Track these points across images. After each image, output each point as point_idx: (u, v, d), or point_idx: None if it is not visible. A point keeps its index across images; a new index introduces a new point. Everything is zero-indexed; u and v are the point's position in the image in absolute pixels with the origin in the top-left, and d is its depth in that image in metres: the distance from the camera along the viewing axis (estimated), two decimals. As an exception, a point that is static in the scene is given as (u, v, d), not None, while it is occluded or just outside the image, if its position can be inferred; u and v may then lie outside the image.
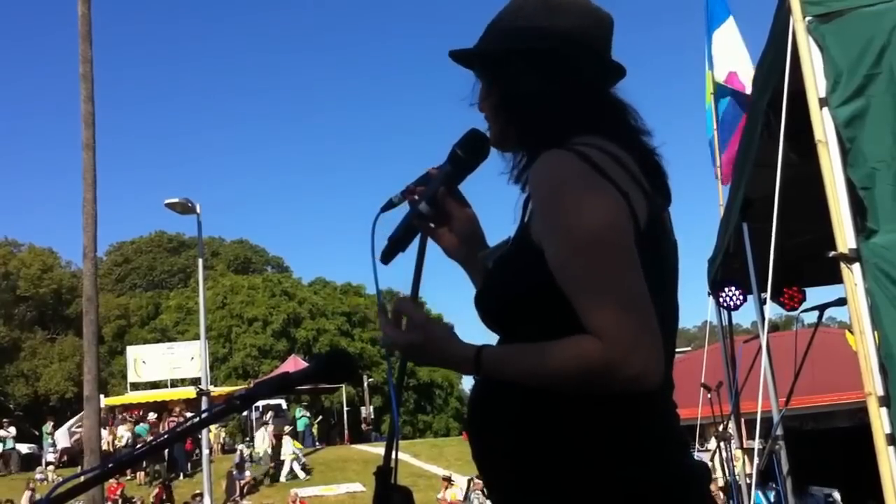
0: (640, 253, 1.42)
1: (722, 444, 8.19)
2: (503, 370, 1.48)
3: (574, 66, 1.57)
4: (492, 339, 1.60)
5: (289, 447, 25.03)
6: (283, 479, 24.13)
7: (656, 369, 1.38)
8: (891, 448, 3.30)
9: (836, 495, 5.63)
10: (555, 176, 1.47)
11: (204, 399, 19.10)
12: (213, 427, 24.56)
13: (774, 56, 4.13)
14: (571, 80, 1.57)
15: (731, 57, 9.50)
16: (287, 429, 26.68)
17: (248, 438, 28.76)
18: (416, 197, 1.74)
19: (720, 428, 8.08)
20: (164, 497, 20.51)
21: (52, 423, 27.68)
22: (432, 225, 1.78)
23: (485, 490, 1.59)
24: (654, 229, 1.48)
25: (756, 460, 5.18)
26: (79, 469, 19.81)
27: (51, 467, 24.82)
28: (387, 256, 1.73)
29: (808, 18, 3.65)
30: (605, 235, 1.40)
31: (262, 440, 24.70)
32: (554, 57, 1.57)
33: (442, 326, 1.57)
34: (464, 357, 1.51)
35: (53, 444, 26.73)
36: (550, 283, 1.43)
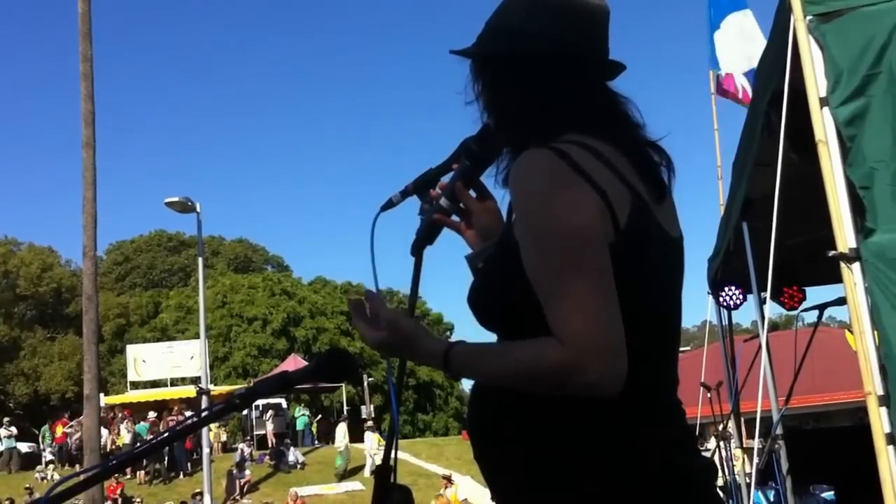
0: (619, 252, 1.40)
1: (722, 443, 8.19)
2: (470, 369, 1.51)
3: (558, 66, 1.55)
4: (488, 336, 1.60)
5: (372, 442, 25.10)
6: (367, 473, 24.21)
7: (615, 376, 1.35)
8: (890, 447, 3.30)
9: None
10: (528, 175, 1.46)
11: (204, 398, 19.12)
12: (212, 426, 24.57)
13: (775, 55, 4.13)
14: (554, 79, 1.55)
15: (734, 55, 9.50)
16: (369, 423, 26.84)
17: (248, 437, 28.80)
18: (439, 192, 1.78)
19: (720, 427, 8.09)
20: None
21: (48, 427, 27.68)
22: (456, 218, 1.81)
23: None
24: (637, 227, 1.45)
25: (756, 459, 5.18)
26: (78, 468, 19.83)
27: (51, 466, 24.83)
28: (415, 251, 1.76)
29: (808, 18, 3.65)
30: (573, 237, 1.38)
31: (343, 436, 24.86)
32: (536, 58, 1.56)
33: (409, 323, 1.55)
34: (433, 354, 1.52)
35: (53, 443, 26.74)
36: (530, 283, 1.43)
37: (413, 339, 1.54)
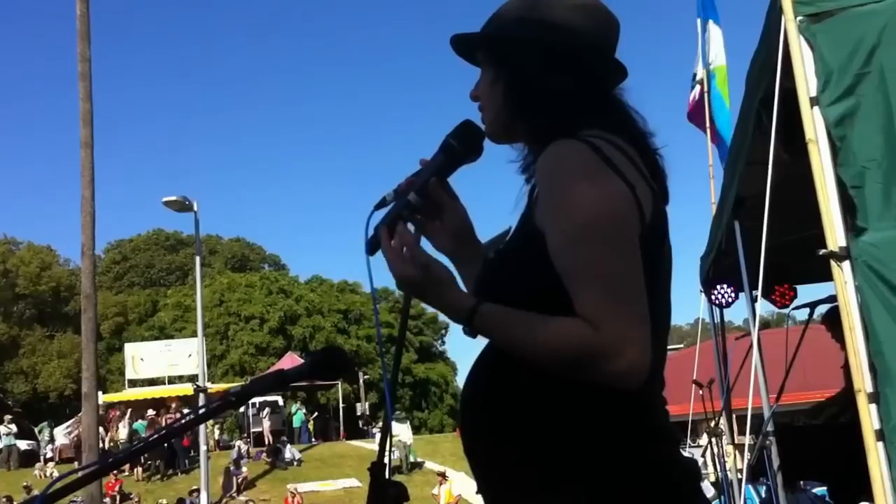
0: (642, 247, 1.43)
1: (713, 439, 8.20)
2: (495, 330, 1.47)
3: (585, 63, 1.58)
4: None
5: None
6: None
7: (643, 368, 1.36)
8: (880, 444, 3.32)
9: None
10: (563, 164, 1.46)
11: (201, 396, 19.14)
12: (209, 423, 24.58)
13: (766, 55, 4.15)
14: (583, 75, 1.58)
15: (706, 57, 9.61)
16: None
17: (245, 435, 28.82)
18: (405, 187, 1.68)
19: (712, 424, 8.11)
20: None
21: (47, 425, 27.71)
22: (421, 216, 1.72)
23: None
24: (657, 225, 1.49)
25: (747, 456, 5.21)
26: (76, 465, 19.84)
27: (49, 464, 24.84)
28: (373, 247, 1.63)
29: (799, 18, 3.67)
30: (608, 224, 1.40)
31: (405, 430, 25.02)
32: (567, 51, 1.58)
33: (444, 269, 1.55)
34: (461, 306, 1.50)
35: (52, 441, 26.75)
36: (554, 271, 1.43)
37: (443, 284, 1.53)
